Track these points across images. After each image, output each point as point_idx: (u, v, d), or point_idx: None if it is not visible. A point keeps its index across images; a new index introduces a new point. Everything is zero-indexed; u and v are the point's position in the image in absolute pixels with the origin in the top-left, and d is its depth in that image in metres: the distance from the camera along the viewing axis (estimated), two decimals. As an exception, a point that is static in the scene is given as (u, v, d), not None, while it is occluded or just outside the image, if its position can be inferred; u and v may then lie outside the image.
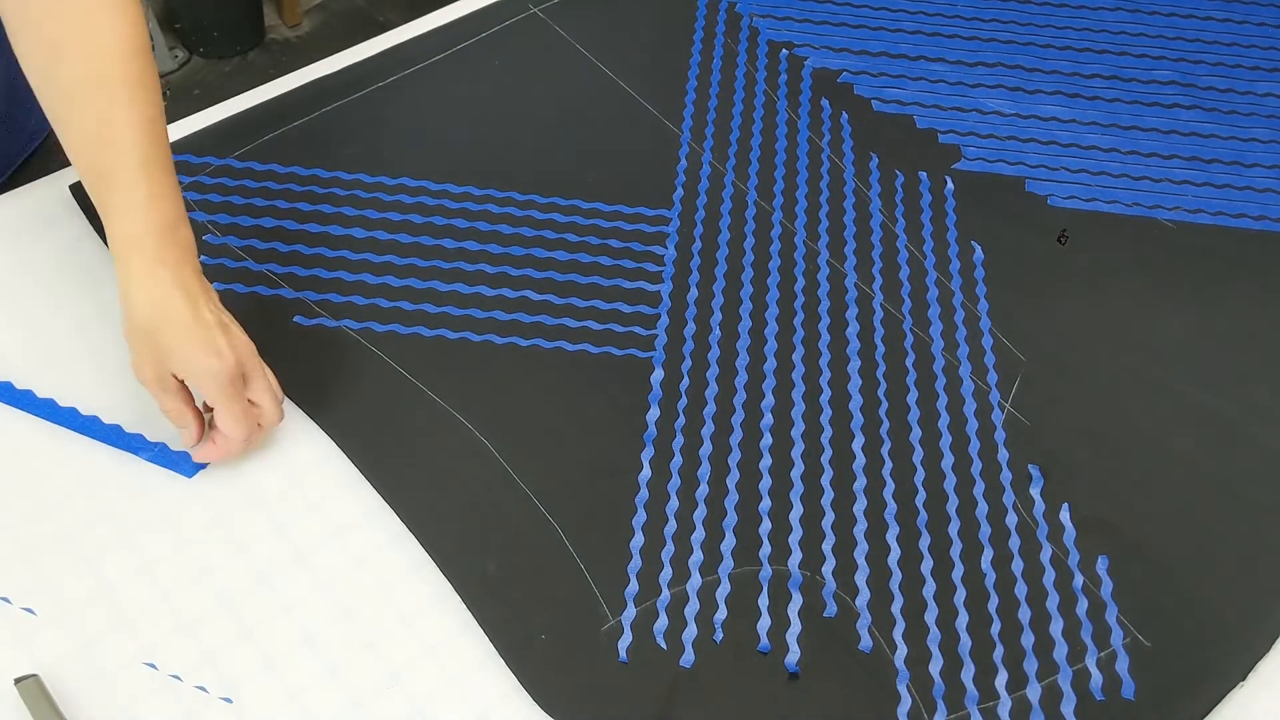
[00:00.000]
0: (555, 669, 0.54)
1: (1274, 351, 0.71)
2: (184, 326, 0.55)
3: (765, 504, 0.61)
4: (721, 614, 0.57)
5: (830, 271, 0.73)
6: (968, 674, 0.56)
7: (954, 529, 0.61)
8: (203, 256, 0.68)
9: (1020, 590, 0.59)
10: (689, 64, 0.85)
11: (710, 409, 0.65)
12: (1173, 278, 0.75)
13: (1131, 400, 0.67)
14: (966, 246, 0.75)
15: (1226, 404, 0.68)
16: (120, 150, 0.56)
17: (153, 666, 0.53)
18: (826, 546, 0.60)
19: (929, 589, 0.58)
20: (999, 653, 0.56)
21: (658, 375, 0.66)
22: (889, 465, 0.63)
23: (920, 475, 0.63)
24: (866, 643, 0.56)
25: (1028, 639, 0.57)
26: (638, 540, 0.59)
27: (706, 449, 0.63)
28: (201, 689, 0.52)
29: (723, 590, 0.58)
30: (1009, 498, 0.62)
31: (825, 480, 0.62)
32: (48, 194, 0.71)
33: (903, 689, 0.55)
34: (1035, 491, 0.63)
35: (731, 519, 0.60)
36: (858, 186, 0.78)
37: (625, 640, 0.55)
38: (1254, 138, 0.84)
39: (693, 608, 0.57)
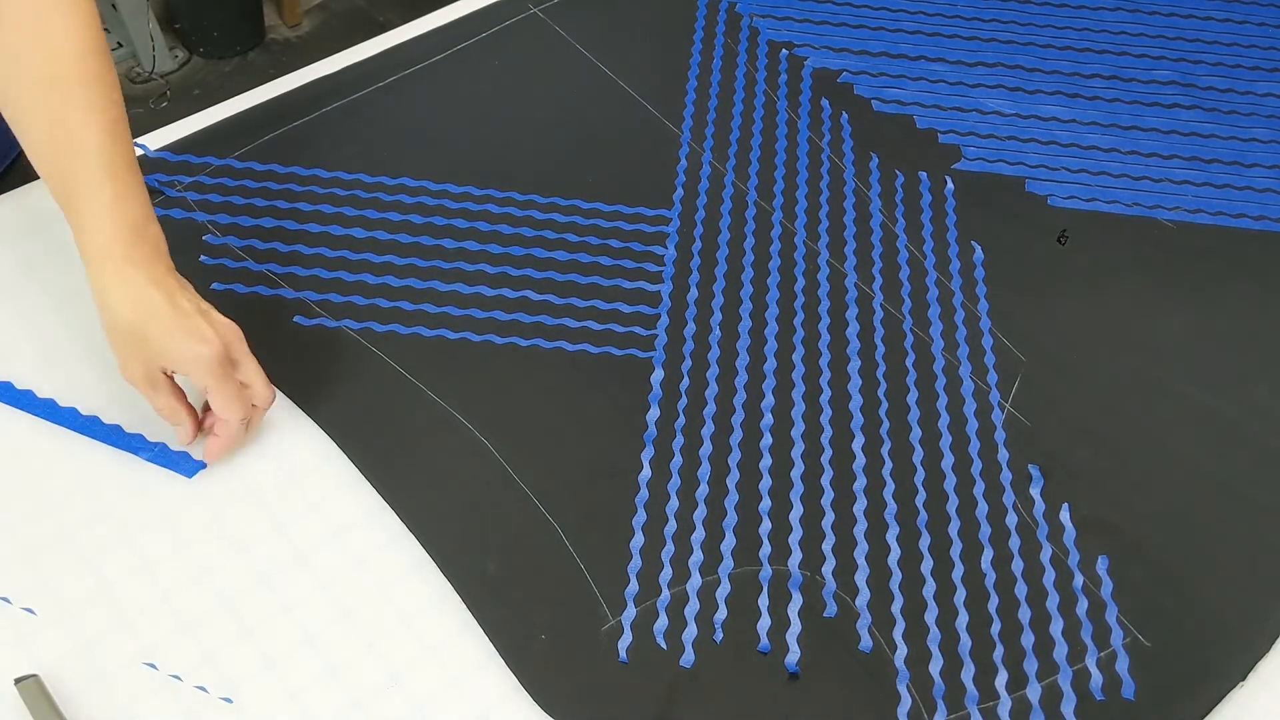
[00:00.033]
0: (555, 669, 0.54)
1: (1274, 351, 0.71)
2: (166, 320, 0.55)
3: (765, 504, 0.61)
4: (721, 614, 0.57)
5: (830, 271, 0.73)
6: (968, 674, 0.56)
7: (954, 529, 0.61)
8: (203, 257, 0.69)
9: (1020, 590, 0.59)
10: (689, 64, 0.85)
11: (710, 409, 0.65)
12: (1173, 278, 0.75)
13: (1131, 400, 0.68)
14: (966, 246, 0.75)
15: (1226, 404, 0.68)
16: (82, 153, 0.55)
17: (153, 666, 0.53)
18: (826, 546, 0.60)
19: (929, 589, 0.58)
20: (999, 653, 0.56)
21: (658, 375, 0.66)
22: (889, 465, 0.63)
23: (920, 475, 0.63)
24: (866, 643, 0.56)
25: (1028, 639, 0.57)
26: (638, 540, 0.59)
27: (706, 449, 0.63)
28: (201, 689, 0.52)
29: (723, 590, 0.58)
30: (1009, 498, 0.62)
31: (825, 480, 0.62)
32: (48, 194, 0.71)
33: (903, 689, 0.55)
34: (1035, 491, 0.63)
35: (731, 519, 0.60)
36: (858, 186, 0.78)
37: (625, 640, 0.55)
38: (1254, 138, 0.84)
39: (693, 608, 0.57)
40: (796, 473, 0.62)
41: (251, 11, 2.00)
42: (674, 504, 0.60)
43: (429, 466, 0.61)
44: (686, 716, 0.53)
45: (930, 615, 0.57)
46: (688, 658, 0.55)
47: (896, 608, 0.57)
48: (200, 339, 0.55)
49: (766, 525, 0.60)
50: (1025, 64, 0.88)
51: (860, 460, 0.63)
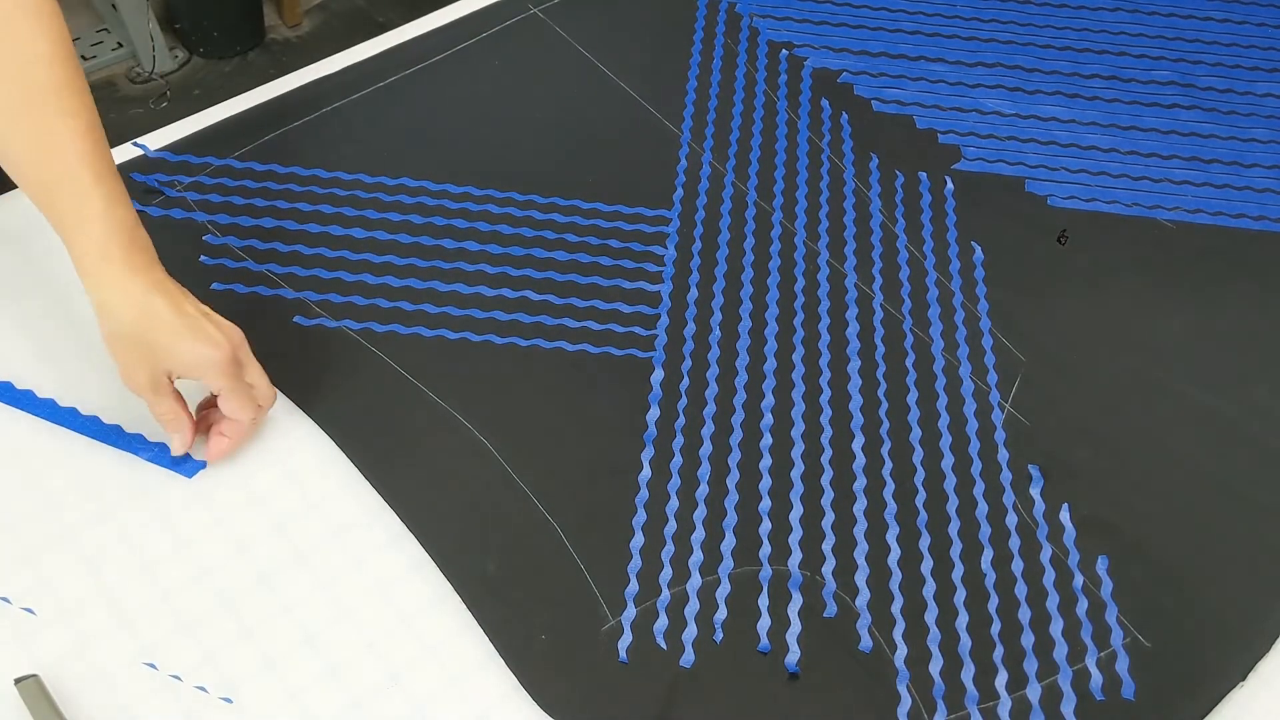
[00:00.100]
0: (555, 669, 0.54)
1: (1274, 351, 0.71)
2: (173, 325, 0.54)
3: (765, 504, 0.61)
4: (721, 614, 0.57)
5: (830, 271, 0.73)
6: (968, 674, 0.56)
7: (954, 529, 0.61)
8: (203, 257, 0.69)
9: (1020, 590, 0.59)
10: (689, 64, 0.85)
11: (710, 409, 0.65)
12: (1173, 278, 0.75)
13: (1131, 400, 0.67)
14: (966, 246, 0.75)
15: (1226, 404, 0.68)
16: (66, 162, 0.54)
17: (153, 666, 0.53)
18: (826, 546, 0.60)
19: (929, 589, 0.58)
20: (999, 653, 0.56)
21: (658, 375, 0.66)
22: (889, 465, 0.63)
23: (920, 475, 0.63)
24: (866, 643, 0.56)
25: (1028, 639, 0.57)
26: (638, 540, 0.59)
27: (706, 449, 0.63)
28: (201, 689, 0.52)
29: (723, 590, 0.58)
30: (1009, 498, 0.62)
31: (825, 480, 0.62)
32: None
33: (903, 689, 0.55)
34: (1035, 491, 0.63)
35: (731, 519, 0.60)
36: (858, 186, 0.78)
37: (625, 640, 0.55)
38: (1254, 138, 0.84)
39: (693, 608, 0.57)
40: (796, 473, 0.62)
41: (251, 11, 2.00)
42: (674, 504, 0.60)
43: (429, 466, 0.61)
44: (686, 716, 0.53)
45: (930, 615, 0.57)
46: (688, 658, 0.55)
47: (896, 608, 0.57)
48: (211, 342, 0.55)
49: (766, 525, 0.60)
50: (1025, 64, 0.88)
51: (860, 460, 0.63)
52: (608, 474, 0.61)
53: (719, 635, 0.56)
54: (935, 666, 0.56)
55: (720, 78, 0.85)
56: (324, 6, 2.14)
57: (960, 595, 0.58)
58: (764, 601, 0.57)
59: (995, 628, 0.57)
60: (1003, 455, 0.64)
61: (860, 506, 0.61)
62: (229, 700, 0.52)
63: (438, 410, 0.63)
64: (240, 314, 0.59)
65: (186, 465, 0.59)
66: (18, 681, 0.51)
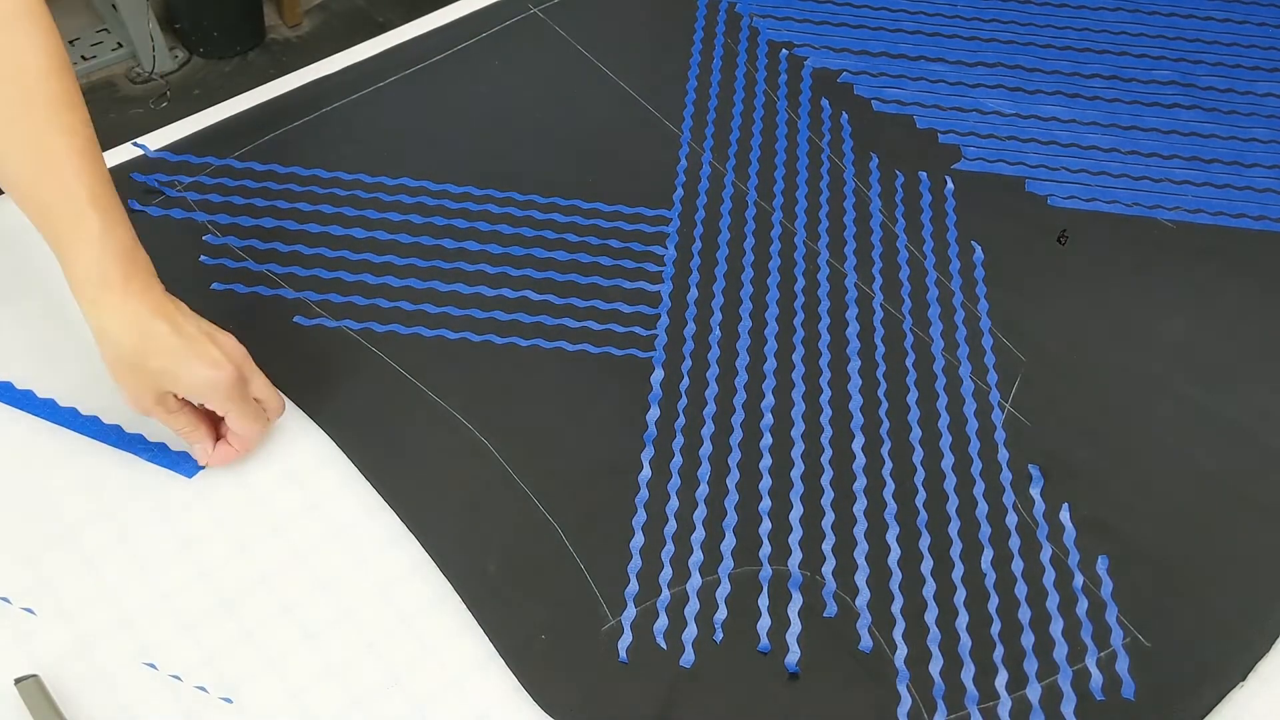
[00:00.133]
0: (555, 669, 0.54)
1: (1274, 351, 0.71)
2: (174, 348, 0.54)
3: (765, 504, 0.61)
4: (721, 614, 0.57)
5: (830, 271, 0.73)
6: (968, 674, 0.56)
7: (954, 529, 0.61)
8: (203, 257, 0.69)
9: (1020, 590, 0.59)
10: (689, 64, 0.85)
11: (710, 409, 0.65)
12: (1173, 278, 0.75)
13: (1131, 400, 0.67)
14: (966, 246, 0.75)
15: (1226, 404, 0.67)
16: (63, 181, 0.53)
17: (153, 666, 0.53)
18: (826, 546, 0.60)
19: (929, 589, 0.58)
20: (999, 653, 0.56)
21: (658, 375, 0.66)
22: (889, 465, 0.63)
23: (920, 475, 0.63)
24: (866, 643, 0.56)
25: (1028, 639, 0.57)
26: (638, 540, 0.59)
27: (706, 449, 0.63)
28: (201, 689, 0.52)
29: (723, 590, 0.58)
30: (1009, 498, 0.62)
31: (825, 480, 0.62)
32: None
33: (903, 689, 0.55)
34: (1035, 491, 0.63)
35: (731, 519, 0.60)
36: (858, 186, 0.78)
37: (625, 640, 0.55)
38: (1254, 138, 0.84)
39: (693, 608, 0.57)
40: (796, 473, 0.62)
41: (251, 11, 2.00)
42: (674, 504, 0.60)
43: (429, 466, 0.61)
44: (686, 716, 0.53)
45: (930, 615, 0.57)
46: (688, 658, 0.55)
47: (896, 608, 0.57)
48: (213, 364, 0.54)
49: (766, 525, 0.60)
50: (1025, 64, 0.88)
51: (860, 460, 0.63)
52: (608, 474, 0.61)
53: (719, 635, 0.56)
54: (935, 666, 0.56)
55: (720, 77, 0.85)
56: (324, 6, 2.14)
57: (960, 595, 0.58)
58: (764, 601, 0.57)
59: (995, 628, 0.57)
60: (1003, 455, 0.64)
61: (860, 506, 0.61)
62: (229, 700, 0.52)
63: (438, 410, 0.63)
64: (240, 314, 0.59)
65: (186, 465, 0.59)
66: (18, 681, 0.51)
